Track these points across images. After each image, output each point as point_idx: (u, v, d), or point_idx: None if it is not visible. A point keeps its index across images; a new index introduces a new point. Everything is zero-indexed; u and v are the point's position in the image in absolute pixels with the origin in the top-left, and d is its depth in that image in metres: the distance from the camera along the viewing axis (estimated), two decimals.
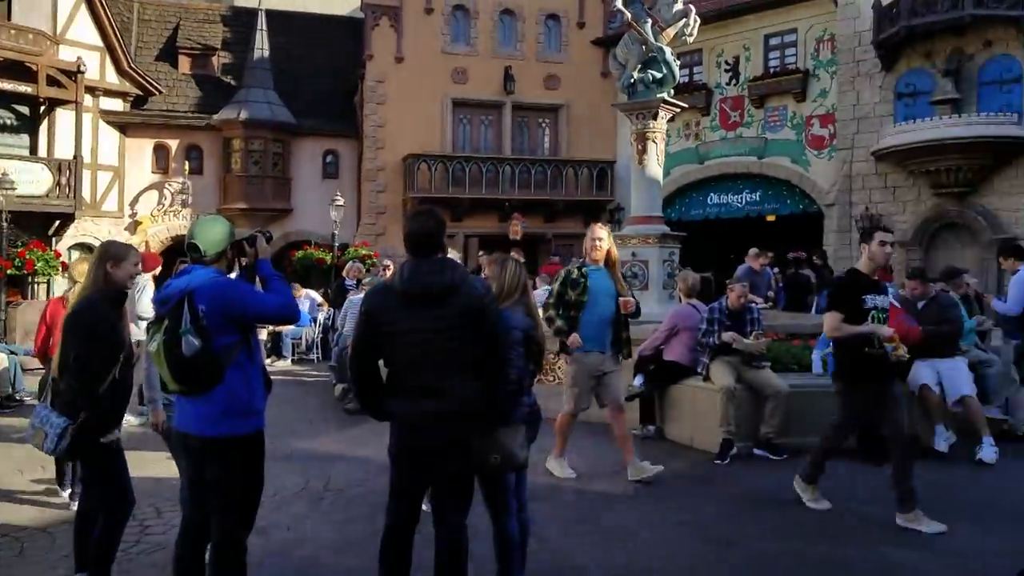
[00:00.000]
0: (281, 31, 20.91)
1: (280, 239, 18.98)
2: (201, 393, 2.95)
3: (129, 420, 5.89)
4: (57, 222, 17.32)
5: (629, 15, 9.15)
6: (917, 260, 14.08)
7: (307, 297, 13.52)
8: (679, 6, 9.32)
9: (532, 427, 3.49)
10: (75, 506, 4.21)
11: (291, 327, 11.95)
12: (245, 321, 3.06)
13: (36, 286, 16.34)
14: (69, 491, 4.96)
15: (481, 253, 12.92)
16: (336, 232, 18.00)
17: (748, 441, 6.31)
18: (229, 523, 3.02)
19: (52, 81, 16.86)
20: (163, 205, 19.21)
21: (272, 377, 3.37)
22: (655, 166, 9.30)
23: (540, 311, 4.18)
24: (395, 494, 3.14)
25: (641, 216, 9.38)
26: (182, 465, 3.32)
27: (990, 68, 14.38)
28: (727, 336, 6.39)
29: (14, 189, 14.73)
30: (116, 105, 18.80)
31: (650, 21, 9.16)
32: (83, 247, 17.40)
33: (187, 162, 19.44)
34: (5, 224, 14.54)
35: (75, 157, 17.11)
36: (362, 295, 5.55)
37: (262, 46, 19.87)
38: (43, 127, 17.58)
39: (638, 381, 6.98)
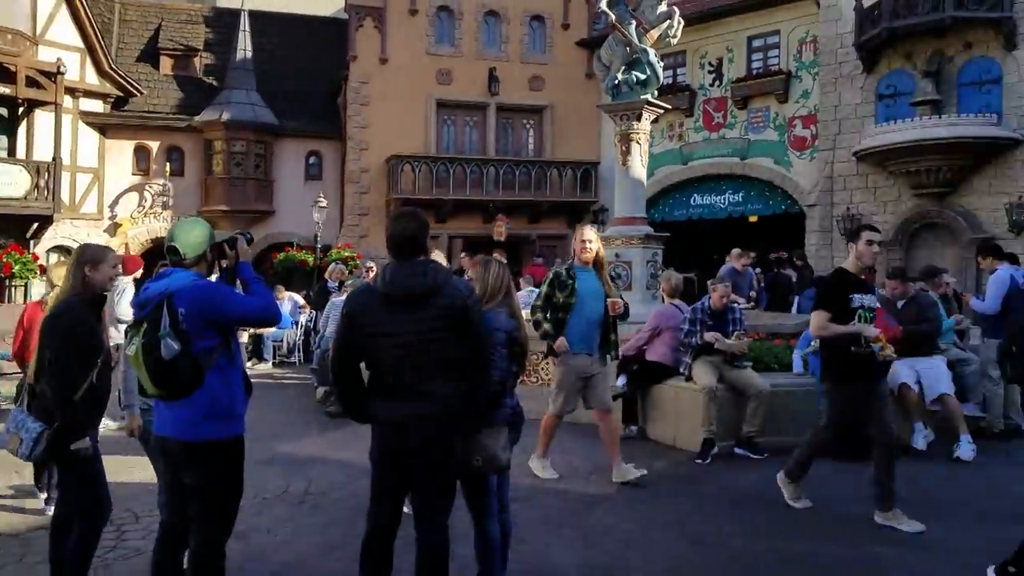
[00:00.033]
0: (264, 32, 20.77)
1: (262, 241, 18.87)
2: (180, 397, 2.92)
3: (107, 424, 5.82)
4: (35, 225, 17.12)
5: (613, 17, 9.19)
6: (898, 260, 14.19)
7: (289, 299, 13.47)
8: (663, 8, 9.36)
9: (515, 429, 3.49)
10: (51, 511, 4.14)
11: (272, 329, 11.88)
12: (225, 324, 3.04)
13: (13, 290, 16.09)
14: (45, 495, 4.88)
15: (463, 254, 12.89)
16: (319, 234, 17.94)
17: (729, 440, 6.35)
18: (208, 528, 3.00)
19: (31, 82, 16.64)
20: (143, 207, 19.03)
21: (253, 380, 3.34)
22: (639, 167, 9.34)
23: (525, 312, 4.18)
24: (376, 497, 3.13)
25: (625, 217, 9.42)
26: (160, 469, 3.30)
27: (970, 69, 14.52)
28: (709, 336, 6.42)
29: None
30: (96, 106, 18.60)
31: (634, 23, 9.21)
32: (62, 250, 17.21)
33: (168, 164, 19.27)
34: None
35: (54, 159, 16.90)
36: (344, 297, 5.52)
37: (245, 47, 19.71)
38: (22, 128, 17.37)
39: (621, 381, 7.00)
